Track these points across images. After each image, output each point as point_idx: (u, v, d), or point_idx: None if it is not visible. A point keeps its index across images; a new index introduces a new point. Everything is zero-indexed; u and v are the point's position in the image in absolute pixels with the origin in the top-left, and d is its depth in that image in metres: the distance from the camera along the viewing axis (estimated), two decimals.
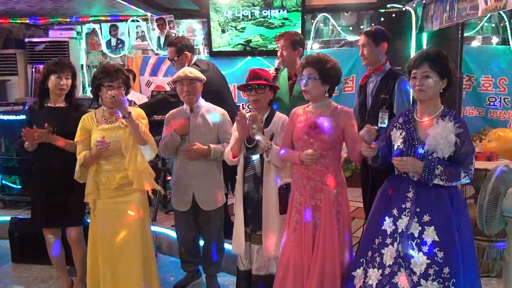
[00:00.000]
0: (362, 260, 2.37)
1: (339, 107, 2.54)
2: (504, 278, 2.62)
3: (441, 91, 2.26)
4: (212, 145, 2.95)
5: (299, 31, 5.12)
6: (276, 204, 2.68)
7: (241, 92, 3.10)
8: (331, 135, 2.45)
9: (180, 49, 3.54)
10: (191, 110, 3.03)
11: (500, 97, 5.05)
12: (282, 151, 2.58)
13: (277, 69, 3.38)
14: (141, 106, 3.46)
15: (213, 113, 3.05)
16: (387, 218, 2.31)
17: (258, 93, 2.72)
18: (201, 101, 3.08)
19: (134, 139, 2.70)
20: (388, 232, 2.29)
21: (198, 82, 3.01)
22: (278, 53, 3.35)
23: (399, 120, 2.40)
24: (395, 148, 2.36)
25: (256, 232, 2.75)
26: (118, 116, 2.73)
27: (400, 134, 2.35)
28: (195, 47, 3.83)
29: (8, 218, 4.08)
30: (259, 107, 2.75)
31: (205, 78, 3.07)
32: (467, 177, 2.22)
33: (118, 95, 2.61)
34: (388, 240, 2.28)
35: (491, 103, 5.07)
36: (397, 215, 2.29)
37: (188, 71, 2.99)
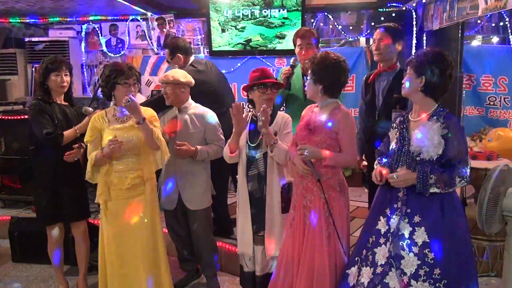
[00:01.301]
0: (357, 259, 2.38)
1: (339, 108, 2.48)
2: (504, 277, 2.62)
3: (420, 89, 2.22)
4: (199, 147, 2.96)
5: None
6: (278, 203, 2.67)
7: (241, 91, 3.09)
8: (320, 137, 2.43)
9: (172, 51, 3.55)
10: (179, 111, 3.05)
11: (500, 97, 5.04)
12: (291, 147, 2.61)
13: (293, 66, 3.27)
14: (142, 105, 3.47)
15: (201, 114, 3.05)
16: (381, 217, 2.32)
17: (272, 91, 2.72)
18: (189, 102, 3.09)
19: (147, 144, 2.69)
20: (382, 232, 2.29)
21: (180, 86, 3.00)
22: (299, 51, 3.26)
23: (396, 121, 2.40)
24: (390, 148, 2.37)
25: (259, 232, 2.74)
26: (130, 115, 2.72)
27: (395, 134, 2.35)
28: (191, 47, 3.82)
29: (8, 217, 4.08)
30: (271, 105, 2.74)
31: (192, 82, 3.07)
32: (463, 181, 2.18)
33: (133, 100, 2.59)
34: (382, 240, 2.28)
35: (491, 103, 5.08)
36: (389, 215, 2.29)
37: (171, 75, 2.99)
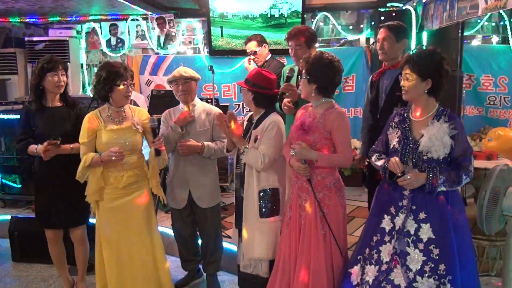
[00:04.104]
0: (360, 257, 2.38)
1: (332, 108, 2.46)
2: (504, 277, 2.62)
3: (426, 91, 2.23)
4: (206, 143, 2.97)
5: None
6: (255, 206, 2.65)
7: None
8: (314, 137, 2.42)
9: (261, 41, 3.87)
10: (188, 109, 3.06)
11: (500, 96, 5.05)
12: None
13: (289, 77, 3.05)
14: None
15: (208, 112, 3.06)
16: (385, 216, 2.32)
17: (246, 93, 2.73)
18: (197, 100, 3.11)
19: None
20: (387, 230, 2.30)
21: (192, 81, 3.03)
22: (290, 52, 3.18)
23: (395, 119, 2.40)
24: (391, 147, 2.37)
25: (241, 229, 2.76)
26: (124, 115, 2.75)
27: (396, 133, 2.35)
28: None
29: (8, 217, 4.08)
30: (246, 106, 2.76)
31: (199, 77, 3.08)
32: (467, 178, 2.23)
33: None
34: (387, 238, 2.29)
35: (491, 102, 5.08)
36: (394, 213, 2.30)
37: (183, 70, 3.01)
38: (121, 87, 2.67)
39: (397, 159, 2.26)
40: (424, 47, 2.36)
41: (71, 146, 2.89)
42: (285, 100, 2.94)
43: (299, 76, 3.11)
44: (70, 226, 3.09)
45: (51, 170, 2.94)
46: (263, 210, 2.64)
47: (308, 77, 2.44)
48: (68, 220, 3.04)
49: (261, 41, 3.91)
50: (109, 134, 2.68)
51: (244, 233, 2.70)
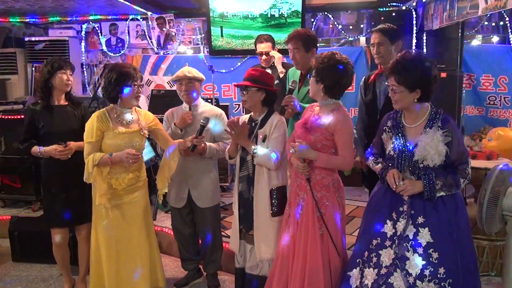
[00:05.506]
0: (359, 260, 2.37)
1: (337, 110, 2.46)
2: (504, 277, 2.62)
3: (416, 100, 2.20)
4: (208, 144, 2.97)
5: None
6: (267, 206, 2.65)
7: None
8: (316, 137, 2.42)
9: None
10: (189, 109, 3.09)
11: (500, 96, 5.04)
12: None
13: (291, 90, 2.90)
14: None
15: (210, 113, 3.07)
16: (388, 221, 2.30)
17: (244, 94, 2.69)
18: (200, 101, 3.14)
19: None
20: (388, 235, 2.28)
21: (196, 81, 3.06)
22: (290, 56, 3.12)
23: (387, 124, 2.38)
24: (387, 153, 2.36)
25: (248, 231, 2.75)
26: (132, 117, 2.75)
27: (390, 139, 2.34)
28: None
29: (8, 217, 4.09)
30: (248, 107, 2.75)
31: (204, 78, 3.10)
32: (465, 181, 2.22)
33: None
34: (388, 243, 2.27)
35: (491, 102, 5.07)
36: (395, 219, 2.29)
37: (187, 70, 3.04)
38: (131, 88, 2.66)
39: (395, 172, 2.25)
40: (408, 53, 2.23)
41: (79, 144, 2.92)
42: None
43: (308, 75, 3.13)
44: (80, 222, 3.08)
45: (63, 168, 2.95)
46: (275, 209, 2.65)
47: (316, 76, 2.45)
48: (79, 217, 3.05)
49: (274, 43, 4.04)
50: (118, 137, 2.67)
51: (256, 235, 2.69)
